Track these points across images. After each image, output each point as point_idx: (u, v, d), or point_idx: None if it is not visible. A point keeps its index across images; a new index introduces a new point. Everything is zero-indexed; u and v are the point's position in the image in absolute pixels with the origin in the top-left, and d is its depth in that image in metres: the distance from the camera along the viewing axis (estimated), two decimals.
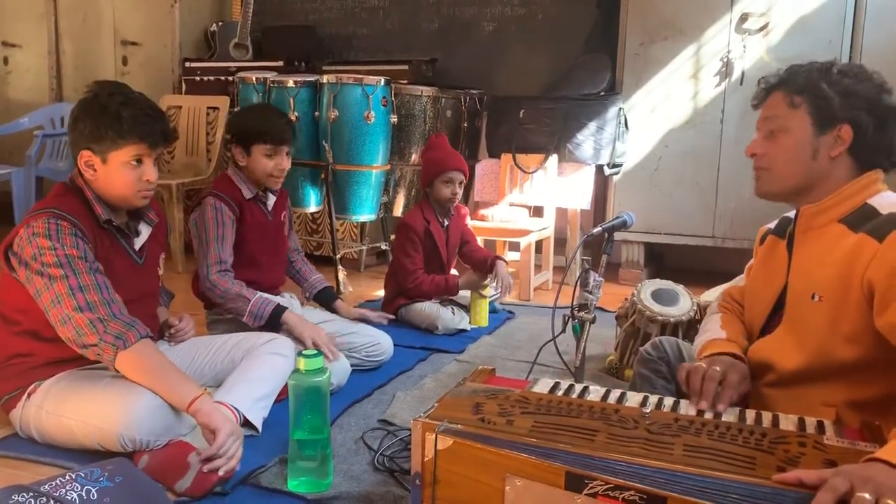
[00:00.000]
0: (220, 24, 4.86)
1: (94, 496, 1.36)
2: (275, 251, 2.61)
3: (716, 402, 1.35)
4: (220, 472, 1.62)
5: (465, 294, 3.15)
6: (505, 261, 3.19)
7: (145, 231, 1.97)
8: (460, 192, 3.10)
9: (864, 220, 1.35)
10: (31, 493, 1.31)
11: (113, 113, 1.75)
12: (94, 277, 1.73)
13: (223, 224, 2.38)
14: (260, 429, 1.91)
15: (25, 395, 1.83)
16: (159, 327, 2.12)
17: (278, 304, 2.33)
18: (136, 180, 1.82)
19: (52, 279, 1.71)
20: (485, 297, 3.07)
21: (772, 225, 1.62)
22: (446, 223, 3.17)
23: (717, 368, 1.40)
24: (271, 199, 2.57)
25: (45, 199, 1.85)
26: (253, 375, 1.95)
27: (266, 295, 2.40)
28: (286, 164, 2.48)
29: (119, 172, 1.80)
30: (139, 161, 1.81)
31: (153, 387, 1.72)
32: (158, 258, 2.05)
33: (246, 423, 1.90)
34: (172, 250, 4.09)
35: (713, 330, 1.60)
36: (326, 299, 2.73)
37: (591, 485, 1.09)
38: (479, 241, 3.36)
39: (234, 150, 2.48)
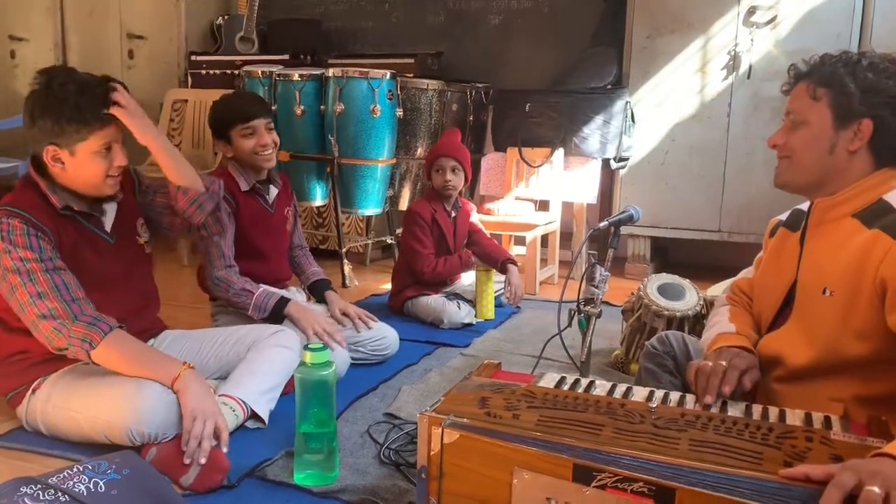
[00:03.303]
0: (225, 17, 4.86)
1: (101, 488, 1.37)
2: (278, 244, 2.61)
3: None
4: (185, 460, 1.62)
5: (470, 288, 3.15)
6: (516, 263, 3.18)
7: (111, 209, 1.92)
8: (454, 178, 3.07)
9: (879, 215, 1.34)
10: (39, 486, 1.32)
11: (72, 104, 1.71)
12: (51, 279, 1.70)
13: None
14: (267, 421, 1.92)
15: (30, 390, 1.83)
16: (157, 300, 2.11)
17: (282, 296, 2.33)
18: (107, 168, 1.79)
19: (13, 286, 1.71)
20: (491, 276, 3.06)
21: (783, 217, 1.60)
22: (453, 214, 3.17)
23: (723, 362, 1.40)
24: (273, 192, 2.56)
25: (6, 195, 1.82)
26: (259, 368, 1.96)
27: (270, 288, 2.40)
28: (267, 138, 2.44)
29: (89, 162, 1.77)
30: (108, 148, 1.79)
31: (134, 374, 1.73)
32: (135, 227, 1.99)
33: (253, 416, 1.91)
34: (178, 244, 4.10)
35: (722, 323, 1.59)
36: (319, 290, 2.68)
37: (599, 477, 1.09)
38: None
39: (217, 145, 2.48)
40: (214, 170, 2.59)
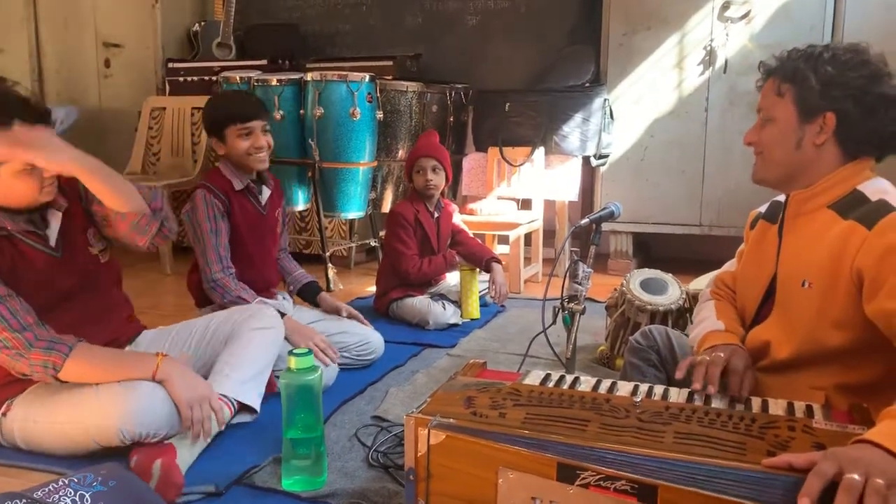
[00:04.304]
0: (202, 23, 4.84)
1: (87, 501, 1.36)
2: (268, 248, 2.59)
3: (730, 391, 1.36)
4: (207, 439, 1.70)
5: (455, 289, 3.16)
6: (500, 261, 3.20)
7: (55, 220, 1.80)
8: (435, 178, 3.08)
9: (854, 206, 1.35)
10: (24, 500, 1.30)
11: None
12: None
13: (214, 218, 2.36)
14: (258, 408, 1.91)
15: (0, 413, 1.81)
16: (124, 309, 2.04)
17: (276, 311, 2.30)
18: (38, 182, 1.68)
19: None
20: (475, 275, 3.07)
21: (762, 209, 1.62)
22: (436, 215, 3.17)
23: (722, 354, 1.41)
24: (265, 193, 2.54)
25: None
26: (240, 358, 1.94)
27: (264, 300, 2.37)
28: (263, 140, 2.42)
29: (15, 182, 1.66)
30: (33, 165, 1.65)
31: (111, 380, 1.72)
32: (85, 237, 1.88)
33: (243, 408, 1.90)
34: (161, 252, 4.07)
35: (710, 319, 1.60)
36: (310, 294, 2.68)
37: (582, 475, 1.10)
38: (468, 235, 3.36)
39: (210, 142, 2.47)
40: (208, 172, 2.58)
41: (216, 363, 1.94)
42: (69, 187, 1.85)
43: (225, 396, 1.86)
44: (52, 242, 1.80)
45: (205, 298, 2.41)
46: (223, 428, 1.80)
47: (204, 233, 2.34)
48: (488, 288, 3.16)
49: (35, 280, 1.74)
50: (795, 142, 1.41)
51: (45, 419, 1.76)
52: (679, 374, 1.43)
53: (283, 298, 2.64)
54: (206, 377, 1.90)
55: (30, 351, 1.65)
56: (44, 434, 1.77)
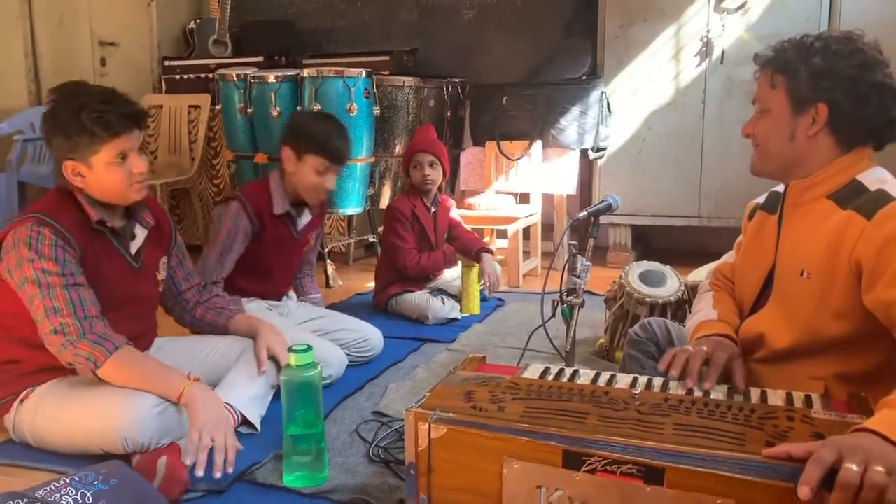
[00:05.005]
0: (197, 21, 4.82)
1: (89, 500, 1.36)
2: (290, 265, 2.61)
3: (703, 380, 1.36)
4: (199, 472, 1.57)
5: (455, 283, 3.16)
6: (491, 251, 3.20)
7: (140, 234, 1.94)
8: (432, 173, 3.08)
9: (852, 196, 1.34)
10: (25, 500, 1.31)
11: (77, 121, 1.72)
12: (68, 295, 1.70)
13: (235, 237, 2.37)
14: (259, 427, 1.92)
15: (18, 400, 1.82)
16: (155, 329, 2.10)
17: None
18: (126, 176, 1.79)
19: (31, 297, 1.71)
20: (475, 271, 3.08)
21: (760, 199, 1.61)
22: (433, 209, 3.17)
23: (704, 348, 1.41)
24: (305, 219, 2.53)
25: (38, 202, 1.84)
26: (249, 375, 1.96)
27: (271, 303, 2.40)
28: (333, 184, 2.44)
29: (107, 173, 1.77)
30: (123, 157, 1.78)
31: (139, 390, 1.72)
32: (158, 262, 2.01)
33: (245, 422, 1.91)
34: None
35: (705, 310, 1.60)
36: None
37: (588, 461, 1.10)
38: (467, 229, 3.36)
39: (285, 150, 2.40)
40: (254, 183, 2.57)
41: (228, 375, 1.97)
42: (163, 220, 2.02)
43: (230, 406, 1.87)
44: (133, 251, 1.92)
45: None
46: (230, 470, 1.64)
47: (215, 242, 2.37)
48: (479, 278, 3.16)
49: (109, 281, 1.84)
50: (788, 133, 1.40)
51: (52, 415, 1.77)
52: (661, 367, 1.42)
53: (287, 297, 2.65)
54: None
55: (80, 340, 1.69)
56: (49, 430, 1.77)
